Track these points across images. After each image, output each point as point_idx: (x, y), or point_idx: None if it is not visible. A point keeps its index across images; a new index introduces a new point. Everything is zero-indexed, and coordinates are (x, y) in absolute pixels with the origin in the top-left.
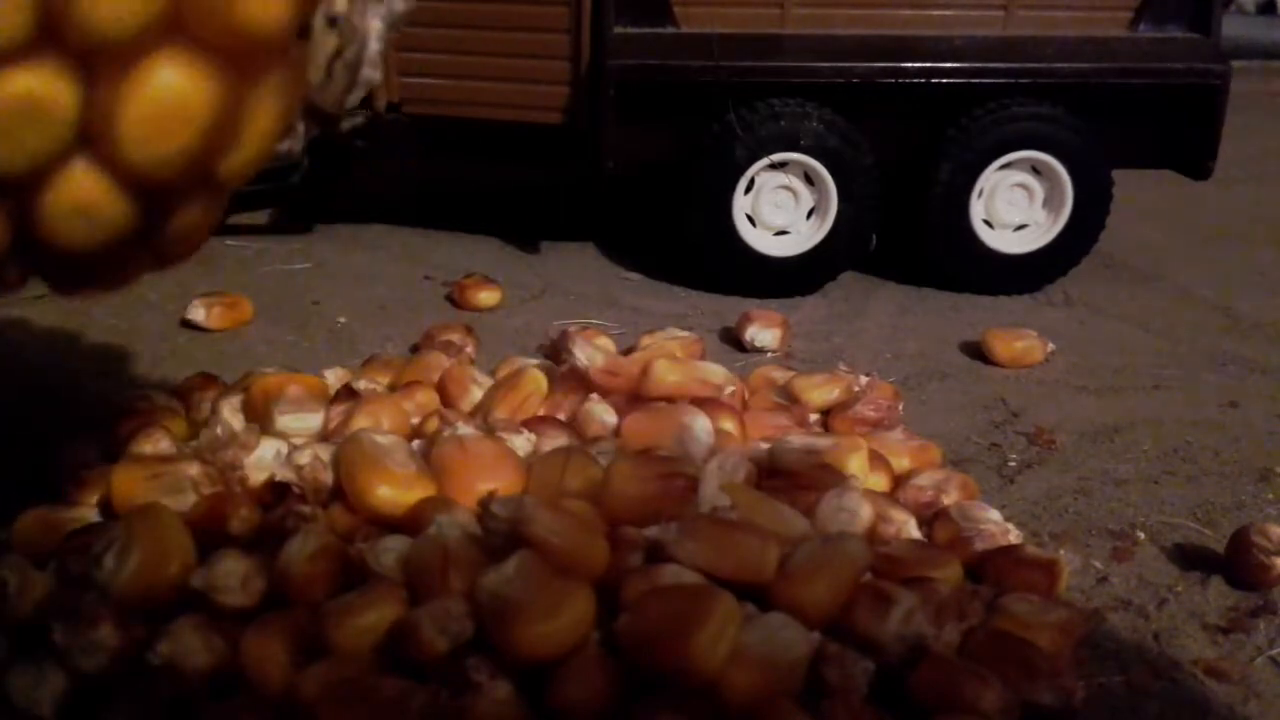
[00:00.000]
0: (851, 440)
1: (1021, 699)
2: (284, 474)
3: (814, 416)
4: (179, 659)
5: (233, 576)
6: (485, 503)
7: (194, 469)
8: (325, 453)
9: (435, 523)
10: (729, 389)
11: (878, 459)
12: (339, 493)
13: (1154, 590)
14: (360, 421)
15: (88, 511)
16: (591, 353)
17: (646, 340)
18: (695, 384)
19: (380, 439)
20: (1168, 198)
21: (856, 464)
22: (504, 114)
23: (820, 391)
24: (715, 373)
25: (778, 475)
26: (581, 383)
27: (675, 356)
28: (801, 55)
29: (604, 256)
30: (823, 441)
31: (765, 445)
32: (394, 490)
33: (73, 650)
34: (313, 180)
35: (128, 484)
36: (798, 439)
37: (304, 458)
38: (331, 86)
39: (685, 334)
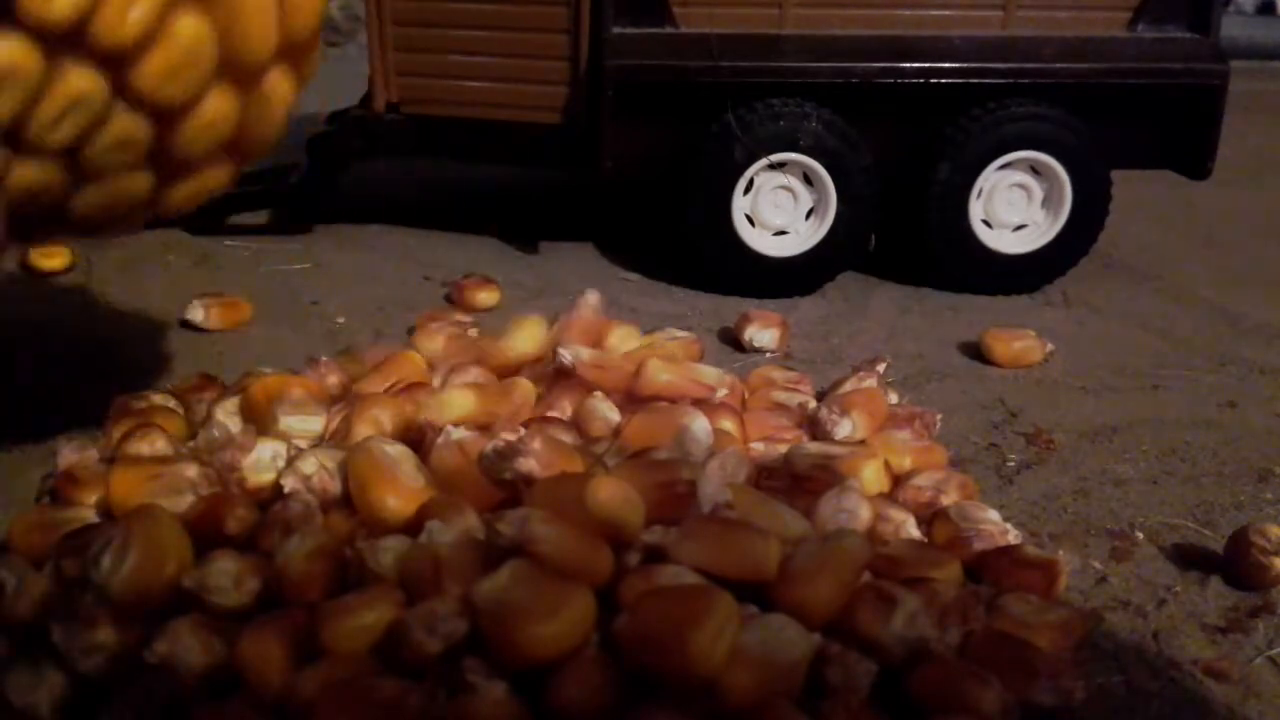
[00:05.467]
0: (867, 448)
1: (1021, 699)
2: (290, 483)
3: (812, 404)
4: (176, 658)
5: (226, 577)
6: (491, 520)
7: (192, 470)
8: (330, 460)
9: (426, 529)
10: (722, 390)
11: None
12: (340, 499)
13: (1153, 590)
14: (361, 426)
15: (86, 512)
16: (576, 349)
17: (646, 340)
18: (689, 384)
19: (389, 449)
20: (1167, 198)
21: (871, 472)
22: (503, 114)
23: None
24: (709, 374)
25: (776, 476)
26: (570, 379)
27: (670, 356)
28: (800, 55)
29: (603, 257)
30: (837, 449)
31: (780, 449)
32: (404, 503)
33: (71, 651)
34: (311, 180)
35: (126, 485)
36: (813, 445)
37: (309, 466)
38: None
39: (685, 334)
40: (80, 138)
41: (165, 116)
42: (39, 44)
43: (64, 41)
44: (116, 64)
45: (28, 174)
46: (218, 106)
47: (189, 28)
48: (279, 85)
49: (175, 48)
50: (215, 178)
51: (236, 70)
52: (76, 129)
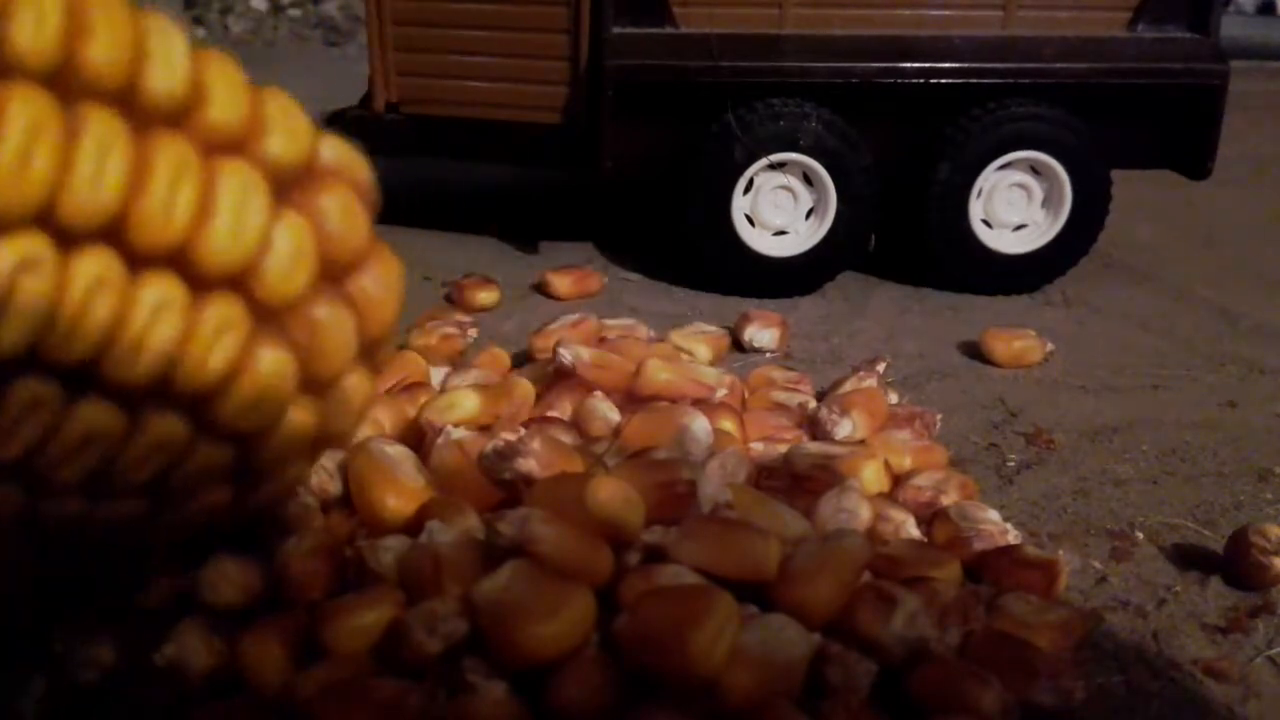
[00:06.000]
0: (867, 448)
1: (1021, 699)
2: None
3: (812, 404)
4: (183, 660)
5: (223, 575)
6: (491, 520)
7: None
8: (329, 460)
9: (426, 529)
10: (721, 390)
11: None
12: (340, 499)
13: (1153, 590)
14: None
15: None
16: (576, 349)
17: (675, 336)
18: (687, 384)
19: (389, 449)
20: (1167, 198)
21: (871, 472)
22: (503, 114)
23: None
24: (708, 374)
25: (776, 476)
26: (570, 379)
27: (668, 356)
28: (800, 55)
29: (603, 256)
30: (837, 449)
31: (780, 449)
32: (404, 503)
33: (71, 663)
34: None
35: None
36: (813, 445)
37: None
38: None
39: (712, 329)
40: (161, 474)
41: (246, 440)
42: (121, 403)
43: (147, 396)
44: (197, 405)
45: (108, 512)
46: (298, 420)
47: (269, 362)
48: (357, 384)
49: (257, 381)
50: (294, 476)
51: (317, 386)
52: (157, 469)
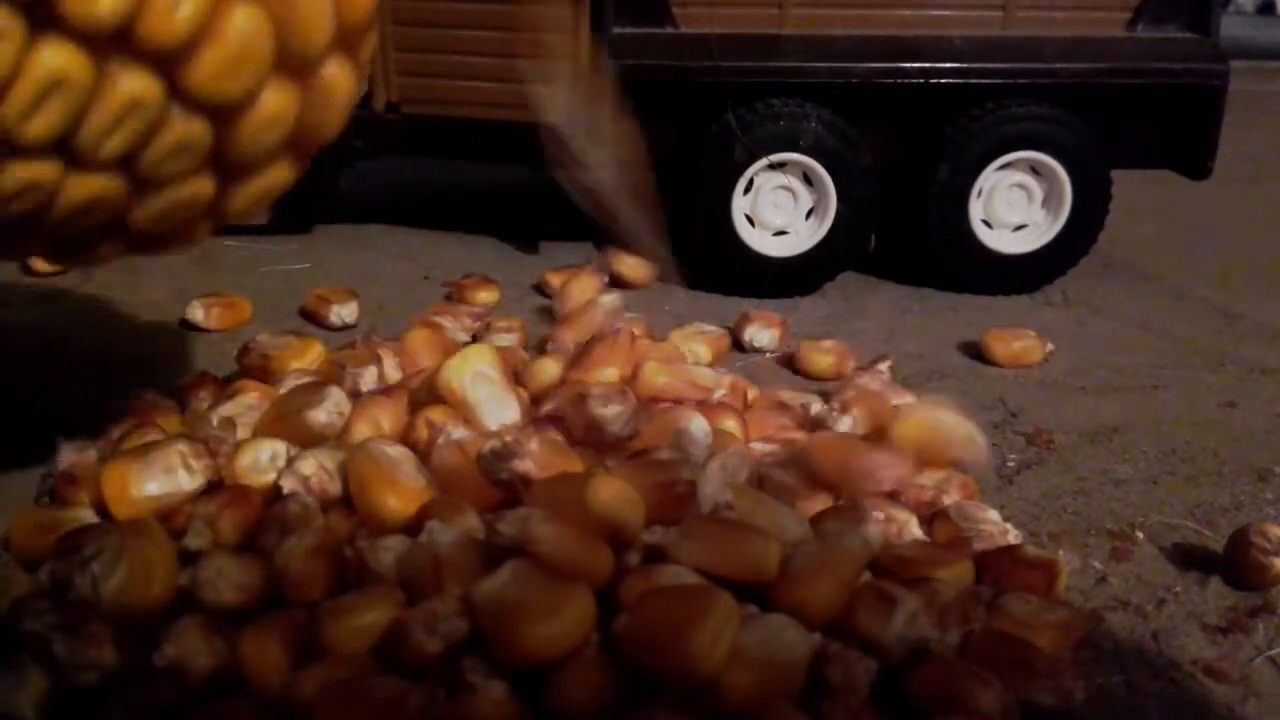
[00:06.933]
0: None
1: (1021, 699)
2: (289, 484)
3: (814, 404)
4: (183, 660)
5: (222, 575)
6: (491, 520)
7: (181, 444)
8: (329, 461)
9: (426, 529)
10: (719, 391)
11: None
12: (340, 499)
13: (1153, 590)
14: (360, 426)
15: (85, 512)
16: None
17: (675, 336)
18: (685, 386)
19: (389, 450)
20: (1167, 198)
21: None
22: (503, 114)
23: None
24: (705, 376)
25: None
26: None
27: (668, 357)
28: (800, 56)
29: (603, 256)
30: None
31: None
32: (404, 503)
33: (71, 667)
34: (311, 180)
35: (117, 477)
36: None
37: (308, 467)
38: None
39: (712, 329)
40: (136, 145)
41: (223, 116)
42: (87, 49)
43: (113, 44)
44: (169, 64)
45: (84, 187)
46: (277, 101)
47: (242, 21)
48: (338, 75)
49: (229, 43)
50: (278, 177)
51: (294, 62)
52: (132, 136)
